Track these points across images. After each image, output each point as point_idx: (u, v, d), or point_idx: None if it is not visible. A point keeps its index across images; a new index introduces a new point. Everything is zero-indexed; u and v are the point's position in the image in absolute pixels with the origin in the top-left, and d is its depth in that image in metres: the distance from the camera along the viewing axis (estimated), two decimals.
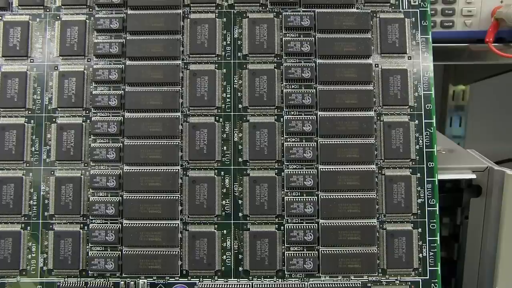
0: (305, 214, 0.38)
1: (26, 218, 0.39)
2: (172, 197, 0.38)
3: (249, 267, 0.38)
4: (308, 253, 0.38)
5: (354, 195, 0.38)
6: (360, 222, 0.38)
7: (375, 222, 0.38)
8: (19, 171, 0.39)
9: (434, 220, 0.39)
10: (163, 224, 0.38)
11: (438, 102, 0.64)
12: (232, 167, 0.39)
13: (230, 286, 0.38)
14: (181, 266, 0.38)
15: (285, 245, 0.38)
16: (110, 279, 0.39)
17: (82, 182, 0.39)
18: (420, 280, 0.38)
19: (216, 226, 0.39)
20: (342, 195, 0.38)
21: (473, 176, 0.41)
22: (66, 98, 0.40)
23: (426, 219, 0.39)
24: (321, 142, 0.39)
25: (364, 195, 0.38)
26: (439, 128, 0.83)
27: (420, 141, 0.39)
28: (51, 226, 0.39)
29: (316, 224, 0.38)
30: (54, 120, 0.40)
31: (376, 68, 0.40)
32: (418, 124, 0.39)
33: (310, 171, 0.39)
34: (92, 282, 0.38)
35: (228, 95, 0.40)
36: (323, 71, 0.39)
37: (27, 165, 0.39)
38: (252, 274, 0.39)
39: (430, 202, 0.39)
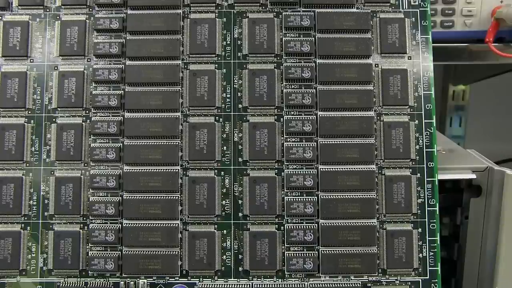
0: (305, 214, 0.38)
1: (26, 218, 0.39)
2: (172, 197, 0.38)
3: (249, 267, 0.38)
4: (308, 253, 0.38)
5: (354, 195, 0.38)
6: (360, 222, 0.38)
7: (375, 222, 0.38)
8: (19, 171, 0.39)
9: (434, 220, 0.39)
10: (163, 224, 0.38)
11: (438, 102, 0.64)
12: (232, 167, 0.39)
13: (230, 286, 0.38)
14: (181, 266, 0.38)
15: (285, 245, 0.38)
16: (110, 279, 0.39)
17: (82, 182, 0.39)
18: (420, 280, 0.38)
19: (216, 226, 0.39)
20: (342, 195, 0.38)
21: (473, 176, 0.41)
22: (66, 98, 0.40)
23: (426, 219, 0.39)
24: (321, 142, 0.39)
25: (364, 195, 0.38)
26: (439, 128, 0.83)
27: (420, 141, 0.39)
28: (51, 226, 0.39)
29: (316, 224, 0.38)
30: (54, 120, 0.40)
31: (376, 68, 0.40)
32: (418, 124, 0.39)
33: (310, 171, 0.39)
34: (92, 282, 0.38)
35: (228, 95, 0.40)
36: (323, 71, 0.39)
37: (27, 165, 0.39)
38: (252, 274, 0.39)
39: (430, 202, 0.39)
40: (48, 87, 0.40)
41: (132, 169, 0.39)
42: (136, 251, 0.38)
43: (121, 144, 0.39)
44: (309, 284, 0.38)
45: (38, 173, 0.39)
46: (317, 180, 0.39)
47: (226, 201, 0.39)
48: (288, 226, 0.38)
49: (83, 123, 0.39)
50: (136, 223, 0.38)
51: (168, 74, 0.39)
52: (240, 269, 0.39)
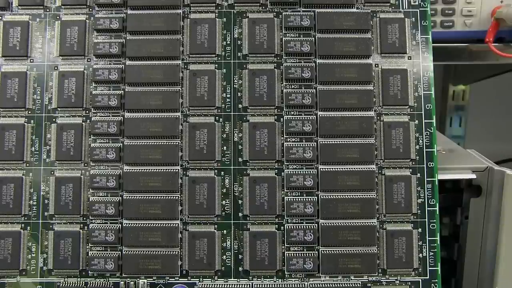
0: (305, 214, 0.38)
1: (26, 218, 0.39)
2: (172, 197, 0.38)
3: (249, 267, 0.38)
4: (308, 253, 0.38)
5: (354, 195, 0.38)
6: (360, 222, 0.38)
7: (375, 222, 0.38)
8: (19, 171, 0.39)
9: (434, 220, 0.39)
10: (163, 224, 0.38)
11: (438, 102, 0.64)
12: (232, 167, 0.39)
13: (230, 286, 0.38)
14: (181, 266, 0.38)
15: (285, 245, 0.38)
16: (110, 279, 0.38)
17: (82, 182, 0.39)
18: (420, 280, 0.38)
19: (216, 226, 0.39)
20: (342, 195, 0.38)
21: (473, 176, 0.41)
22: (66, 98, 0.40)
23: (426, 219, 0.39)
24: (321, 142, 0.39)
25: (364, 195, 0.38)
26: (439, 128, 0.83)
27: (420, 141, 0.39)
28: (51, 226, 0.39)
29: (316, 224, 0.38)
30: (54, 120, 0.40)
31: (376, 68, 0.40)
32: (418, 124, 0.39)
33: (310, 171, 0.39)
34: (92, 282, 0.38)
35: (228, 95, 0.40)
36: (323, 71, 0.39)
37: (27, 165, 0.39)
38: (252, 274, 0.39)
39: (430, 202, 0.39)
40: (48, 87, 0.40)
41: (132, 169, 0.39)
42: (136, 251, 0.38)
43: (121, 144, 0.39)
44: (309, 284, 0.38)
45: (38, 173, 0.39)
46: (317, 180, 0.39)
47: (226, 201, 0.39)
48: (288, 226, 0.38)
49: (83, 123, 0.39)
50: (136, 223, 0.38)
51: (168, 74, 0.39)
52: (240, 269, 0.39)
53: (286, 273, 0.38)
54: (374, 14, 0.40)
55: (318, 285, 0.38)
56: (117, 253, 0.38)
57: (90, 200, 0.39)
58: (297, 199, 0.38)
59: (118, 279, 0.38)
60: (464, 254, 0.43)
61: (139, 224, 0.38)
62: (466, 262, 0.43)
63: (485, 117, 0.87)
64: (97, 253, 0.38)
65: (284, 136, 0.39)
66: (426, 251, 0.38)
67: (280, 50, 0.40)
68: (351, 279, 0.38)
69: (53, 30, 0.40)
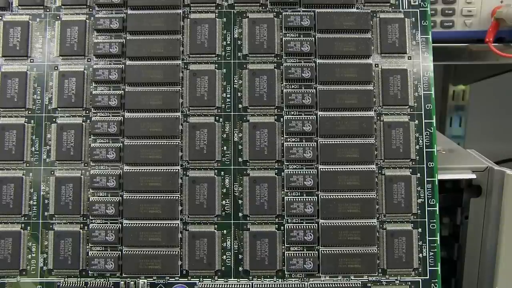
0: (305, 214, 0.38)
1: (26, 218, 0.39)
2: (172, 197, 0.38)
3: (249, 267, 0.38)
4: (308, 253, 0.38)
5: (354, 195, 0.38)
6: (360, 222, 0.38)
7: (375, 222, 0.38)
8: (19, 171, 0.39)
9: (434, 220, 0.39)
10: (163, 224, 0.38)
11: (438, 102, 0.64)
12: (232, 167, 0.39)
13: (230, 286, 0.38)
14: (181, 266, 0.38)
15: (285, 245, 0.38)
16: (110, 279, 0.39)
17: (82, 182, 0.39)
18: (420, 280, 0.38)
19: (216, 226, 0.39)
20: (342, 195, 0.38)
21: (473, 176, 0.41)
22: (66, 98, 0.40)
23: (426, 219, 0.39)
24: (321, 142, 0.39)
25: (364, 195, 0.38)
26: (439, 128, 0.83)
27: (420, 141, 0.39)
28: (51, 226, 0.39)
29: (316, 224, 0.38)
30: (54, 120, 0.40)
31: (376, 68, 0.40)
32: (418, 124, 0.39)
33: (310, 171, 0.39)
34: (92, 282, 0.38)
35: (228, 95, 0.40)
36: (323, 71, 0.39)
37: (27, 165, 0.39)
38: (252, 274, 0.39)
39: (430, 202, 0.39)
40: (48, 87, 0.40)
41: (132, 169, 0.39)
42: (136, 251, 0.38)
43: (121, 144, 0.39)
44: (309, 284, 0.38)
45: (38, 173, 0.39)
46: (317, 180, 0.39)
47: (226, 201, 0.39)
48: (288, 226, 0.38)
49: (83, 123, 0.39)
50: (136, 223, 0.38)
51: (168, 74, 0.39)
52: (240, 269, 0.39)
53: (286, 273, 0.38)
54: (374, 14, 0.40)
55: (318, 285, 0.38)
56: (117, 253, 0.38)
57: (90, 200, 0.39)
58: (297, 199, 0.38)
59: (118, 279, 0.38)
60: (464, 254, 0.43)
61: (139, 224, 0.38)
62: (466, 262, 0.43)
63: (485, 117, 0.87)
64: (97, 253, 0.38)
65: (284, 136, 0.39)
66: (426, 251, 0.38)
67: (280, 50, 0.40)
68: (351, 279, 0.38)
69: (53, 30, 0.40)
